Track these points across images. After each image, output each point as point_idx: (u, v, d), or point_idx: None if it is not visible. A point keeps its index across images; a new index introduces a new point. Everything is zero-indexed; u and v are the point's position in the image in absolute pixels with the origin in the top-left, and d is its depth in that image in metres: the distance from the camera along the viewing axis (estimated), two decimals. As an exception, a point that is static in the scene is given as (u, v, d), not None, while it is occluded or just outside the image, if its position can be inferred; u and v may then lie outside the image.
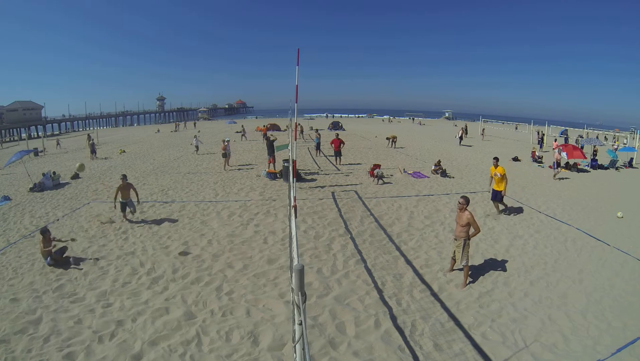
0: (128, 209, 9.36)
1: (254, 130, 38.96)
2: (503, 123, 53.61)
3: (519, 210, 10.37)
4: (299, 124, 37.98)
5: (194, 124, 56.11)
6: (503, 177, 9.59)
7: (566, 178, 15.23)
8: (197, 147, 23.18)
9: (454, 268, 6.52)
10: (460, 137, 27.91)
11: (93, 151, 21.68)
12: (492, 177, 9.86)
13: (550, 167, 17.92)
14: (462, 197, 6.13)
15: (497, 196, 9.78)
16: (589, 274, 6.54)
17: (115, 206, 9.41)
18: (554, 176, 15.08)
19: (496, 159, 10.18)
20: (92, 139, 23.81)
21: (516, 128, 48.95)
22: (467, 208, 6.05)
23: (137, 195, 9.48)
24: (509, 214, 9.88)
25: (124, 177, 9.38)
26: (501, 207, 10.06)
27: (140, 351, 4.45)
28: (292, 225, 3.98)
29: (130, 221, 9.29)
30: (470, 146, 26.58)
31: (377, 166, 14.28)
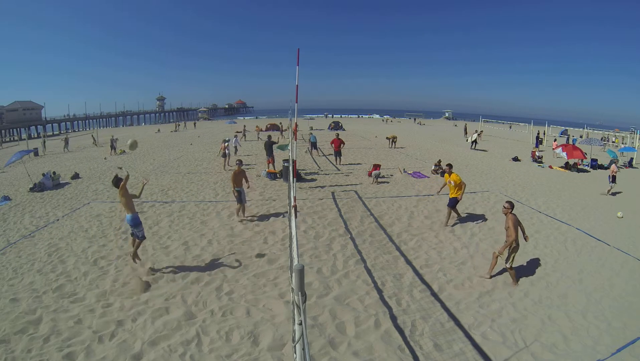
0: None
1: (253, 130, 38.93)
2: (504, 123, 53.77)
3: (519, 210, 10.36)
4: (281, 123, 37.65)
5: (194, 124, 56.09)
6: (458, 185, 8.81)
7: (619, 193, 12.99)
8: (235, 148, 20.96)
9: (493, 271, 6.43)
10: (474, 141, 24.74)
11: (113, 147, 23.86)
12: (446, 184, 9.13)
13: (550, 167, 17.94)
14: (506, 201, 6.37)
15: (451, 202, 9.00)
16: (589, 274, 6.54)
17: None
18: (608, 191, 12.81)
19: (449, 166, 9.30)
20: (112, 136, 25.63)
21: (510, 127, 49.26)
22: (510, 212, 6.20)
23: None
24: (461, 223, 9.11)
25: None
26: (453, 214, 9.23)
27: (140, 351, 4.45)
28: (292, 225, 3.98)
29: None
30: (485, 150, 24.18)
31: (377, 167, 14.28)
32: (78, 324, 4.98)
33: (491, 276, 6.25)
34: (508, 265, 6.13)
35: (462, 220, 9.36)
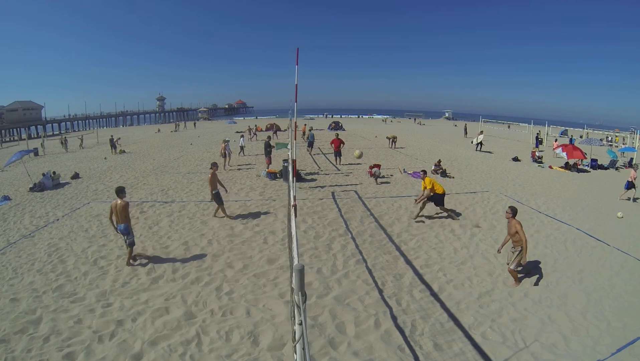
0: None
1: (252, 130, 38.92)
2: (503, 123, 53.87)
3: (519, 210, 10.34)
4: (275, 124, 37.62)
5: (194, 124, 56.13)
6: (431, 190, 9.13)
7: (637, 199, 12.24)
8: (242, 147, 21.20)
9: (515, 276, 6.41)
10: (480, 143, 23.77)
11: (113, 146, 24.30)
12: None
13: (550, 167, 17.95)
14: (509, 207, 6.38)
15: (438, 201, 9.37)
16: (589, 274, 6.54)
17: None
18: (628, 197, 12.02)
19: (424, 172, 9.70)
20: (112, 135, 26.11)
21: (508, 127, 49.34)
22: (513, 217, 6.19)
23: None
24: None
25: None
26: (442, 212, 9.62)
27: (140, 351, 4.45)
28: (292, 225, 3.99)
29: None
30: (490, 152, 23.17)
31: (377, 166, 14.28)
32: (78, 324, 4.98)
33: (518, 283, 6.18)
34: (512, 267, 6.13)
35: (462, 220, 9.35)
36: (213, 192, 9.28)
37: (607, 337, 4.77)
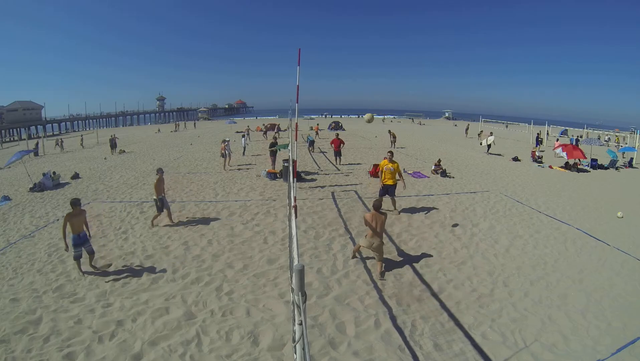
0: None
1: (254, 130, 38.96)
2: (502, 123, 53.91)
3: (519, 210, 10.37)
4: (266, 124, 38.06)
5: (194, 124, 56.16)
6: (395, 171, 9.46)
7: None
8: (244, 147, 21.22)
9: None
10: (489, 145, 22.63)
11: (113, 146, 24.15)
12: (382, 171, 9.62)
13: (550, 167, 17.96)
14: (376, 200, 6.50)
15: (389, 191, 9.62)
16: (589, 274, 6.54)
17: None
18: None
19: (390, 153, 9.83)
20: (112, 135, 25.80)
21: (506, 127, 49.36)
22: (374, 208, 6.39)
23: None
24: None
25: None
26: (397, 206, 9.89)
27: (140, 351, 4.45)
28: (292, 225, 3.99)
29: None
30: (500, 155, 22.24)
31: (377, 167, 14.27)
32: (78, 324, 4.98)
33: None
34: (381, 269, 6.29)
35: (462, 220, 9.35)
36: (158, 197, 8.76)
37: (607, 337, 4.77)
